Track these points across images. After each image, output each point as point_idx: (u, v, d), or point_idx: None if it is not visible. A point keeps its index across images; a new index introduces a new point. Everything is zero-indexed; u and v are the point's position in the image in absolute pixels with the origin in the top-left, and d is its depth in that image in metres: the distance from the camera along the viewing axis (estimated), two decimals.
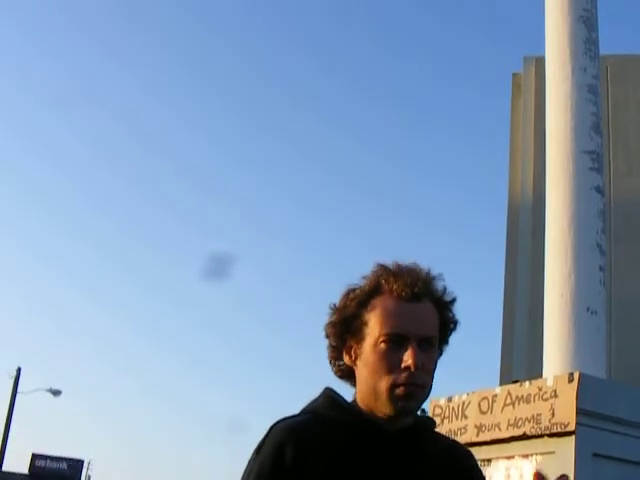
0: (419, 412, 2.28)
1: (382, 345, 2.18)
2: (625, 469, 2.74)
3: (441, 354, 2.38)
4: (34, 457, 31.25)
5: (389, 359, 2.19)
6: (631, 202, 10.05)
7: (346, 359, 2.25)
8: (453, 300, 2.31)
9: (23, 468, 30.93)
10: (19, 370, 25.53)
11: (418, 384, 2.16)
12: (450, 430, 2.93)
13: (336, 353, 2.30)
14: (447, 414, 2.93)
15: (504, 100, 11.67)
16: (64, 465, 32.44)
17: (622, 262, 9.29)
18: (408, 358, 2.14)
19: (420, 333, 2.19)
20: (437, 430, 2.40)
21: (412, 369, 2.14)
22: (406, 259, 2.51)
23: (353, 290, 2.30)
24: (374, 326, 2.21)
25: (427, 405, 2.96)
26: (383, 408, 2.16)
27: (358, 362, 2.25)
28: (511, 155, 10.91)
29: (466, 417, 2.91)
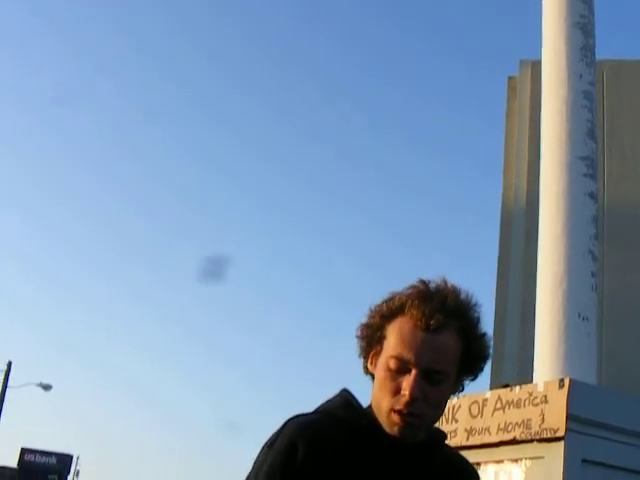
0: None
1: (390, 366, 2.17)
2: (614, 475, 2.75)
3: (462, 388, 2.32)
4: (23, 451, 31.18)
5: (392, 381, 2.18)
6: (625, 208, 10.07)
7: (369, 365, 2.24)
8: (483, 335, 2.21)
9: (12, 462, 30.89)
10: (10, 364, 25.52)
11: (414, 414, 2.14)
12: None
13: (364, 353, 2.29)
14: None
15: (499, 103, 11.70)
16: (53, 460, 32.39)
17: (615, 268, 9.31)
18: (406, 387, 2.12)
19: (425, 364, 2.16)
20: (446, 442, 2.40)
21: (407, 399, 2.12)
22: (432, 274, 2.45)
23: (387, 301, 2.27)
24: (389, 344, 2.20)
25: None
26: (384, 426, 2.16)
27: (374, 372, 2.25)
28: (505, 159, 10.92)
29: (456, 421, 2.92)
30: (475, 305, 2.19)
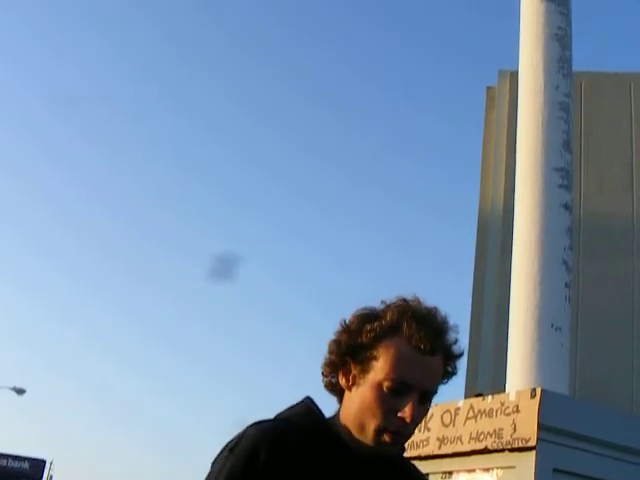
0: None
1: (385, 389, 2.18)
2: None
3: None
4: None
5: (387, 403, 2.19)
6: (600, 219, 10.12)
7: (342, 380, 2.26)
8: (461, 354, 2.29)
9: None
10: None
11: (406, 434, 2.17)
12: (413, 442, 2.95)
13: (331, 369, 2.30)
14: None
15: (478, 114, 11.74)
16: (26, 465, 32.20)
17: (589, 279, 9.35)
18: (408, 410, 2.14)
19: (425, 387, 2.20)
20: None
21: (407, 421, 2.14)
22: (405, 288, 2.49)
23: (372, 319, 2.28)
24: (383, 365, 2.21)
25: None
26: (366, 441, 2.16)
27: (354, 389, 2.25)
28: (482, 169, 10.96)
29: (429, 429, 2.93)
30: (454, 325, 2.23)
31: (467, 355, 10.00)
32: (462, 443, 2.79)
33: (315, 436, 2.21)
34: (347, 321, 2.31)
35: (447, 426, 2.84)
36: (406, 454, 2.91)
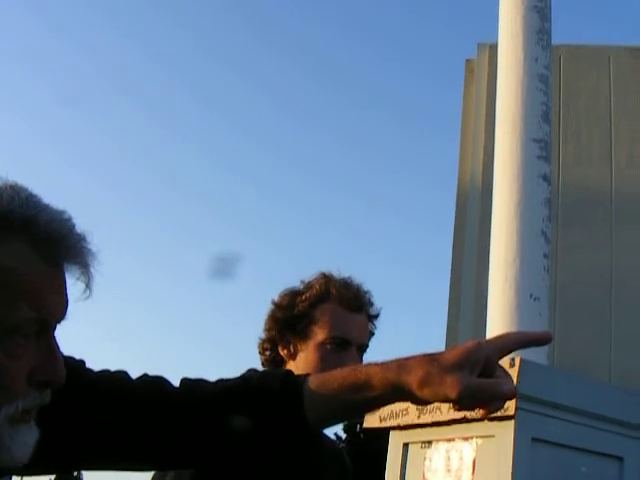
0: None
1: (327, 347, 2.33)
2: (562, 453, 2.79)
3: None
4: None
5: (331, 360, 2.34)
6: (579, 190, 10.16)
7: (283, 352, 2.38)
8: (379, 315, 2.51)
9: None
10: None
11: None
12: (392, 411, 2.96)
13: (270, 344, 2.43)
14: None
15: (457, 86, 11.73)
16: None
17: (567, 250, 9.41)
18: (351, 361, 2.28)
19: (360, 341, 2.37)
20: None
21: None
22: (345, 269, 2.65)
23: (301, 292, 2.43)
24: (322, 328, 2.36)
25: None
26: None
27: (297, 357, 2.37)
28: (462, 142, 10.97)
29: None
30: (369, 290, 2.45)
31: (446, 326, 10.06)
32: (441, 412, 2.81)
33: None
34: (277, 300, 2.44)
35: None
36: (385, 424, 2.99)
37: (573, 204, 9.81)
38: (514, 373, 2.64)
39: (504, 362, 2.79)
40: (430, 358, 1.66)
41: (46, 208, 1.36)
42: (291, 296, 2.49)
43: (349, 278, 2.53)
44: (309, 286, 2.49)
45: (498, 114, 4.15)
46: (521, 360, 2.68)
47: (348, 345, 2.35)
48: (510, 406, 2.59)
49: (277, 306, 2.45)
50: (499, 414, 2.64)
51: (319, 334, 2.40)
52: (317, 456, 2.34)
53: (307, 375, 1.69)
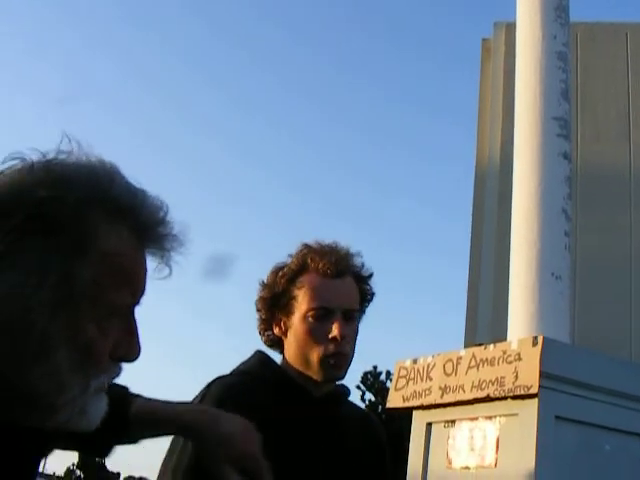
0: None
1: (310, 318, 2.35)
2: (586, 431, 2.79)
3: (359, 323, 2.55)
4: None
5: (317, 331, 2.36)
6: (598, 168, 10.12)
7: (276, 330, 2.41)
8: (371, 275, 2.52)
9: None
10: None
11: (344, 353, 2.34)
12: (415, 391, 2.97)
13: (266, 325, 2.46)
14: (412, 376, 2.97)
15: (474, 66, 11.69)
16: None
17: (587, 228, 9.38)
18: (335, 329, 2.31)
19: (344, 306, 2.37)
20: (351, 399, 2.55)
21: (338, 339, 2.30)
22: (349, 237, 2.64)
23: (281, 268, 2.45)
24: (302, 301, 2.38)
25: (393, 366, 3.04)
26: (314, 375, 2.29)
27: (288, 333, 2.40)
28: (479, 121, 10.93)
29: (431, 379, 2.95)
30: (357, 253, 2.45)
31: (466, 305, 10.05)
32: (464, 392, 2.82)
33: (273, 384, 2.33)
34: (264, 279, 2.46)
35: (449, 375, 2.87)
36: (408, 404, 3.00)
37: (591, 182, 9.77)
38: (537, 351, 2.64)
39: (527, 341, 2.80)
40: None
41: (145, 194, 1.42)
42: (273, 273, 2.51)
43: (330, 244, 2.52)
44: (289, 261, 2.51)
45: (517, 93, 4.13)
46: (544, 338, 2.68)
47: (331, 313, 2.36)
48: (533, 384, 2.60)
49: (262, 286, 2.48)
50: (522, 392, 2.65)
51: (301, 307, 2.42)
52: (335, 421, 2.35)
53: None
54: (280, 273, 2.43)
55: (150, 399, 1.83)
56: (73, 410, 1.36)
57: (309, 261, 2.38)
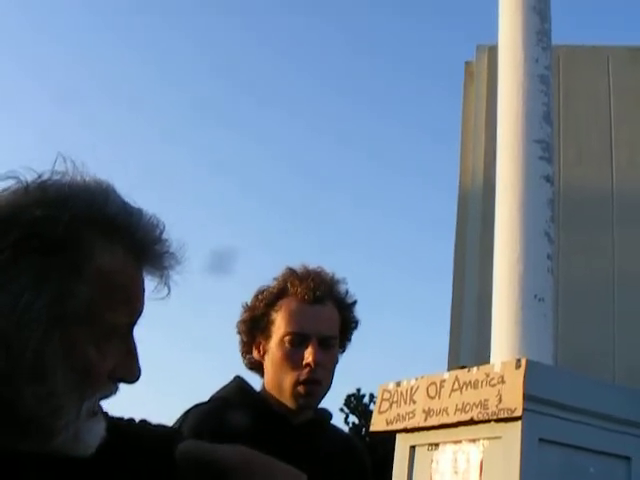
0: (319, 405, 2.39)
1: (286, 344, 2.32)
2: (570, 454, 2.79)
3: (343, 351, 2.52)
4: None
5: (292, 356, 2.33)
6: (580, 191, 10.16)
7: (255, 354, 2.39)
8: (354, 302, 2.48)
9: None
10: None
11: (317, 380, 2.30)
12: (398, 414, 2.96)
13: (247, 348, 2.44)
14: (395, 399, 2.96)
15: (456, 89, 11.73)
16: None
17: (570, 250, 9.41)
18: (309, 355, 2.29)
19: (320, 333, 2.34)
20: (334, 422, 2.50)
21: (312, 365, 2.26)
22: (320, 262, 2.61)
23: (263, 291, 2.43)
24: (279, 325, 2.36)
25: (376, 389, 3.03)
26: (288, 403, 2.27)
27: (266, 357, 2.38)
28: (462, 143, 10.97)
29: (414, 402, 2.94)
30: (342, 280, 2.42)
31: (450, 328, 10.05)
32: (448, 415, 2.81)
33: (252, 413, 2.30)
34: (247, 302, 2.44)
35: (433, 398, 2.86)
36: (391, 427, 2.98)
37: (574, 205, 9.81)
38: (520, 374, 2.64)
39: (510, 363, 2.80)
40: None
41: (141, 213, 1.42)
42: (255, 296, 2.50)
43: (314, 269, 2.49)
44: (271, 284, 2.49)
45: (499, 115, 4.14)
46: (527, 361, 2.68)
47: (306, 339, 2.33)
48: (517, 407, 2.59)
49: (245, 308, 2.46)
50: (506, 415, 2.64)
51: (278, 332, 2.40)
52: (316, 448, 2.32)
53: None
54: (260, 296, 2.42)
55: (197, 442, 1.77)
56: (68, 434, 1.35)
57: (289, 285, 2.36)
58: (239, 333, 2.45)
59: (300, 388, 2.29)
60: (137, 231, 1.39)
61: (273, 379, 2.36)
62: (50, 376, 1.30)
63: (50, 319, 1.29)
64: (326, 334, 2.35)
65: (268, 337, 2.39)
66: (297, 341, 2.32)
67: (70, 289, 1.30)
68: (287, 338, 2.34)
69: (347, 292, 2.49)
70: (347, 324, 2.45)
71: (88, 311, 1.32)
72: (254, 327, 2.42)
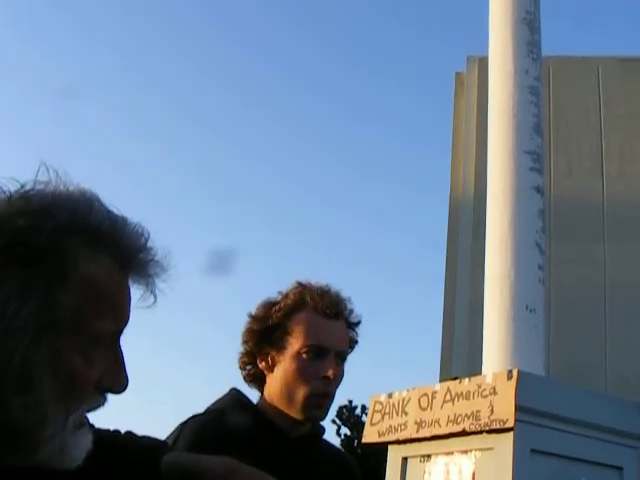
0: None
1: (304, 355, 2.31)
2: (562, 464, 2.79)
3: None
4: None
5: (309, 369, 2.32)
6: (571, 201, 10.19)
7: (261, 365, 2.36)
8: (359, 322, 2.49)
9: None
10: None
11: (330, 394, 2.30)
12: (390, 426, 2.96)
13: (249, 359, 2.41)
14: (388, 410, 2.96)
15: (447, 99, 11.76)
16: None
17: (561, 260, 9.42)
18: (329, 368, 2.27)
19: (338, 348, 2.34)
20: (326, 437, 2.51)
21: (331, 378, 2.25)
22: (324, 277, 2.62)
23: (276, 302, 2.42)
24: (297, 337, 2.34)
25: (368, 400, 3.03)
26: (296, 414, 2.25)
27: (275, 369, 2.35)
28: (453, 154, 10.99)
29: (406, 413, 2.94)
30: (348, 298, 2.43)
31: (441, 340, 10.06)
32: (440, 426, 2.80)
33: (248, 425, 2.29)
34: (253, 312, 2.42)
35: (425, 410, 2.86)
36: (384, 438, 2.97)
37: (565, 215, 9.83)
38: (512, 385, 2.64)
39: (502, 374, 2.80)
40: None
41: (125, 221, 1.41)
42: (266, 307, 2.47)
43: (326, 286, 2.50)
44: (284, 296, 2.48)
45: (490, 126, 4.15)
46: (519, 372, 2.68)
47: (325, 353, 2.32)
48: (509, 418, 2.59)
49: (253, 318, 2.44)
50: (498, 426, 2.64)
51: (295, 344, 2.37)
52: (308, 460, 2.32)
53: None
54: (276, 307, 2.40)
55: (182, 453, 1.77)
56: (54, 445, 1.33)
57: (307, 298, 2.36)
58: (244, 342, 2.43)
59: (314, 400, 2.30)
60: (122, 239, 1.38)
61: (281, 391, 2.35)
62: (37, 385, 1.29)
63: (37, 327, 1.27)
64: (342, 349, 2.36)
65: (282, 348, 2.37)
66: (315, 354, 2.32)
67: (55, 297, 1.29)
68: (305, 350, 2.33)
69: (352, 311, 2.51)
70: (351, 343, 2.47)
71: (74, 319, 1.30)
72: (264, 338, 2.41)
